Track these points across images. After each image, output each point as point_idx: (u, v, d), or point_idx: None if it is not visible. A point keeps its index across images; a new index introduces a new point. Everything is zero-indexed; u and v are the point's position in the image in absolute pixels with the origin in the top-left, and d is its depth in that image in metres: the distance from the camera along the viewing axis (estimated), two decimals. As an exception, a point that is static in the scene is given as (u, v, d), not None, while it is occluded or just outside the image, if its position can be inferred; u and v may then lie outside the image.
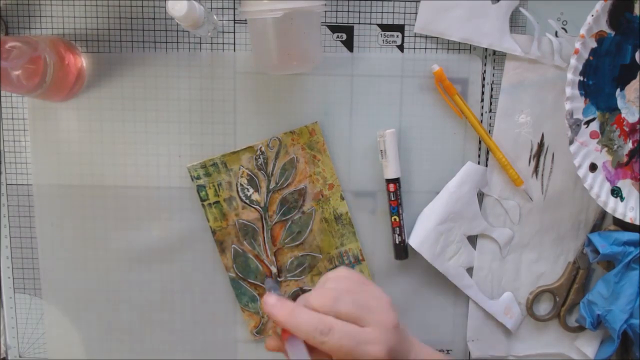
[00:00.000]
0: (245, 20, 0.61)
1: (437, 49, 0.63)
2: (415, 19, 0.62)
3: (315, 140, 0.63)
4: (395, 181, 0.62)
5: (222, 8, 0.62)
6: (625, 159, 0.62)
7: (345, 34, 0.62)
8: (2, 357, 0.66)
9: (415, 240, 0.63)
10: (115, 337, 0.66)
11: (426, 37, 0.62)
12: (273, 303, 0.48)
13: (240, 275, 0.65)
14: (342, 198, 0.64)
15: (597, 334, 0.66)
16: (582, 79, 0.59)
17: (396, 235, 0.63)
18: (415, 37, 0.62)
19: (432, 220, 0.63)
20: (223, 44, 0.62)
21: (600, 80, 0.60)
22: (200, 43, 0.62)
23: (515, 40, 0.61)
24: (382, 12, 0.62)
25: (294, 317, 0.47)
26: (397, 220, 0.63)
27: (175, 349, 0.67)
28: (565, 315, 0.66)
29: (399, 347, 0.50)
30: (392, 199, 0.63)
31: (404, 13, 0.62)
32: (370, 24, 0.62)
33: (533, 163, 0.64)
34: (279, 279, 0.65)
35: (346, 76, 0.63)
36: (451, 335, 0.67)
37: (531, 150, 0.64)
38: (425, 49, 0.63)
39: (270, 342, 0.51)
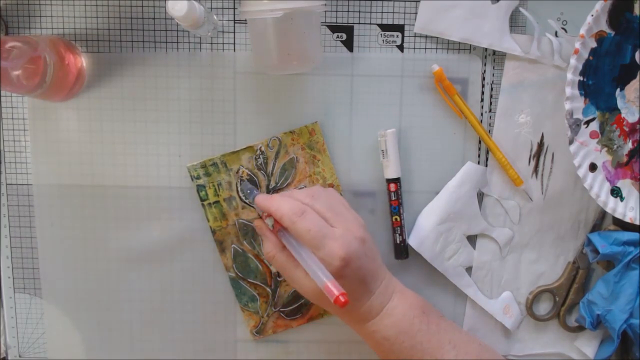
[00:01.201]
0: (245, 20, 0.61)
1: (437, 49, 0.63)
2: (415, 19, 0.62)
3: (315, 140, 0.63)
4: (396, 181, 0.62)
5: (222, 8, 0.62)
6: (625, 159, 0.62)
7: (345, 34, 0.62)
8: (2, 357, 0.66)
9: (415, 240, 0.63)
10: (115, 337, 0.66)
11: (426, 37, 0.62)
12: (263, 197, 0.58)
13: (240, 275, 0.65)
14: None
15: (597, 333, 0.66)
16: (582, 79, 0.59)
17: (397, 235, 0.63)
18: (415, 37, 0.62)
19: (432, 220, 0.63)
20: (223, 44, 0.62)
21: (600, 80, 0.60)
22: (200, 43, 0.62)
23: (515, 40, 0.61)
24: (382, 12, 0.62)
25: (276, 202, 0.56)
26: (398, 220, 0.63)
27: (175, 349, 0.67)
28: (565, 315, 0.66)
29: (361, 260, 0.54)
30: (393, 198, 0.63)
31: (404, 13, 0.62)
32: (370, 24, 0.62)
33: (533, 163, 0.64)
34: (279, 278, 0.65)
35: (346, 76, 0.63)
36: (451, 335, 0.67)
37: (531, 150, 0.64)
38: (425, 49, 0.63)
39: (257, 222, 0.61)
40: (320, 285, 0.51)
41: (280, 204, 0.55)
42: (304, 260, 0.53)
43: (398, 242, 0.63)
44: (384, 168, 0.63)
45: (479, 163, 0.64)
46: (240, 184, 0.63)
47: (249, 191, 0.62)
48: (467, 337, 0.59)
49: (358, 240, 0.54)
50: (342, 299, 0.48)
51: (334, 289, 0.49)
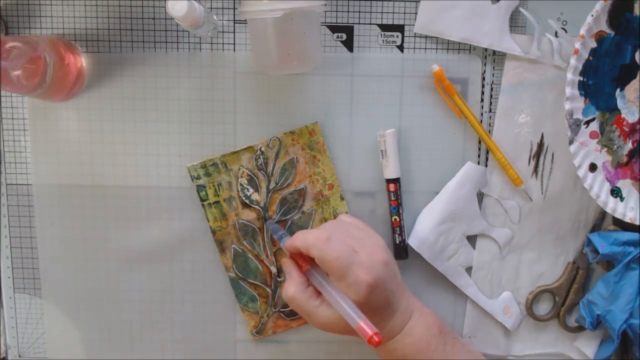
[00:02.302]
0: (245, 20, 0.61)
1: (437, 49, 0.63)
2: (415, 19, 0.62)
3: (315, 140, 0.63)
4: (396, 181, 0.62)
5: (222, 8, 0.62)
6: (625, 159, 0.62)
7: (345, 34, 0.62)
8: (2, 357, 0.66)
9: (414, 240, 0.63)
10: (115, 337, 0.66)
11: (426, 37, 0.62)
12: (290, 239, 0.57)
13: (240, 275, 0.65)
14: (342, 198, 0.64)
15: (597, 334, 0.66)
16: (582, 79, 0.59)
17: (396, 235, 0.63)
18: (415, 37, 0.62)
19: (432, 220, 0.63)
20: (223, 44, 0.62)
21: (600, 80, 0.60)
22: (200, 43, 0.62)
23: (515, 40, 0.61)
24: (382, 12, 0.62)
25: (300, 235, 0.56)
26: (398, 220, 0.63)
27: (175, 349, 0.67)
28: (564, 315, 0.66)
29: (386, 284, 0.54)
30: (393, 198, 0.63)
31: (404, 13, 0.62)
32: (370, 24, 0.62)
33: (533, 163, 0.64)
34: (279, 279, 0.65)
35: (346, 76, 0.63)
36: (451, 335, 0.67)
37: (531, 150, 0.64)
38: (425, 49, 0.63)
39: (285, 261, 0.59)
40: (352, 324, 0.49)
41: (306, 235, 0.55)
42: (334, 297, 0.52)
43: (397, 242, 0.63)
44: (383, 168, 0.63)
45: (478, 163, 0.64)
46: (270, 226, 0.63)
47: (278, 237, 0.61)
48: (480, 357, 0.60)
49: (382, 264, 0.54)
50: (376, 338, 0.48)
51: (367, 328, 0.48)
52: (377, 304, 0.54)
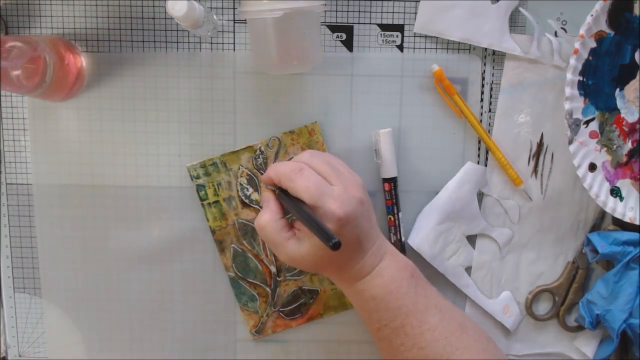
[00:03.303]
0: (245, 20, 0.61)
1: (436, 48, 0.63)
2: (415, 19, 0.62)
3: (314, 140, 0.63)
4: (390, 181, 0.62)
5: (222, 8, 0.62)
6: (624, 159, 0.62)
7: (345, 33, 0.62)
8: (2, 356, 0.66)
9: (414, 239, 0.63)
10: (115, 337, 0.66)
11: (426, 37, 0.62)
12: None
13: (240, 274, 0.65)
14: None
15: (596, 333, 0.66)
16: (581, 78, 0.59)
17: (391, 234, 0.63)
18: (415, 37, 0.62)
19: (432, 220, 0.63)
20: (223, 44, 0.62)
21: (599, 80, 0.60)
22: (200, 43, 0.62)
23: (515, 40, 0.61)
24: (381, 12, 0.62)
25: (275, 165, 0.57)
26: (392, 219, 0.63)
27: (175, 349, 0.67)
28: (564, 315, 0.66)
29: (358, 221, 0.54)
30: (388, 198, 0.63)
31: (404, 13, 0.62)
32: (370, 23, 0.62)
33: (532, 163, 0.64)
34: (278, 278, 0.65)
35: (346, 76, 0.63)
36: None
37: (530, 150, 0.64)
38: (425, 48, 0.63)
39: (264, 194, 0.58)
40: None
41: (279, 166, 0.56)
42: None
43: (393, 241, 0.63)
44: (378, 167, 0.63)
45: (478, 163, 0.64)
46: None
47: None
48: (452, 305, 0.59)
49: (356, 200, 0.54)
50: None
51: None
52: (346, 239, 0.53)
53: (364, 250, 0.56)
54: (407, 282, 0.56)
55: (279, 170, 0.55)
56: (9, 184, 0.64)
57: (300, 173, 0.54)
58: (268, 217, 0.56)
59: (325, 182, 0.54)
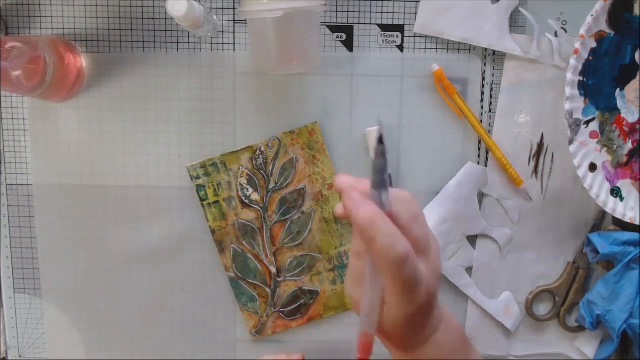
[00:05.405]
0: (245, 20, 0.61)
1: (436, 48, 0.63)
2: (415, 19, 0.62)
3: (314, 140, 0.63)
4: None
5: (222, 8, 0.62)
6: (624, 159, 0.62)
7: (345, 34, 0.62)
8: (2, 357, 0.67)
9: (415, 240, 0.63)
10: (115, 337, 0.66)
11: (426, 37, 0.62)
12: (358, 199, 0.43)
13: (240, 275, 0.65)
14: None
15: (597, 334, 0.66)
16: (581, 79, 0.59)
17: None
18: (415, 37, 0.62)
19: (432, 220, 0.63)
20: (223, 44, 0.62)
21: (599, 80, 0.60)
22: (200, 43, 0.62)
23: (515, 40, 0.61)
24: (382, 12, 0.62)
25: (375, 223, 0.41)
26: None
27: (175, 349, 0.67)
28: (564, 315, 0.66)
29: (435, 298, 0.46)
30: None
31: (404, 13, 0.62)
32: (370, 24, 0.62)
33: (533, 163, 0.64)
34: (278, 279, 0.65)
35: (346, 76, 0.63)
36: (451, 335, 0.67)
37: (531, 150, 0.64)
38: (425, 48, 0.63)
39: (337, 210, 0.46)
40: (361, 330, 0.44)
41: (380, 228, 0.41)
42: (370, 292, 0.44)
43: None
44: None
45: (479, 163, 0.64)
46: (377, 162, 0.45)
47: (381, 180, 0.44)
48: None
49: (438, 278, 0.46)
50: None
51: (364, 350, 0.43)
52: (422, 312, 0.46)
53: (432, 324, 0.49)
54: (460, 354, 0.54)
55: (380, 234, 0.41)
56: (9, 184, 0.64)
57: (405, 262, 0.41)
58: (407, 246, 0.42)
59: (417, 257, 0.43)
